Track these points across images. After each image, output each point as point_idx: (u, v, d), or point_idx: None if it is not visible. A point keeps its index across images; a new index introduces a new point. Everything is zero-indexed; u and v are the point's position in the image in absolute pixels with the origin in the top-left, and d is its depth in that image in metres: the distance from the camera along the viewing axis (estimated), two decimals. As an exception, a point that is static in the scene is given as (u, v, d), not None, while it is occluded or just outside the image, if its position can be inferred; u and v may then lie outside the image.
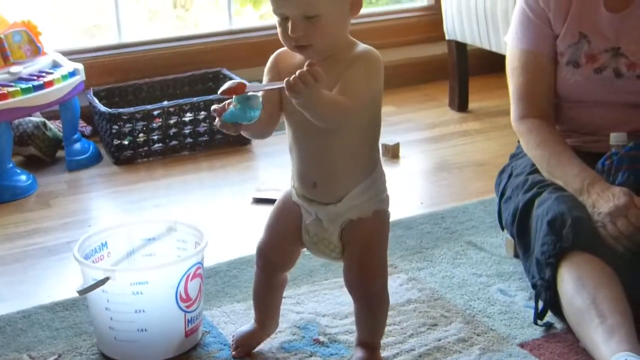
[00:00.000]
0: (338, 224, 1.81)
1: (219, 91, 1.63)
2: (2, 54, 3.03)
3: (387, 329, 2.04)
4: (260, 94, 1.65)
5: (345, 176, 1.78)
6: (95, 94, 3.31)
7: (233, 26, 3.79)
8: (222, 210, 2.78)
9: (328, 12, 1.64)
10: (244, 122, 1.62)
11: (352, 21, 1.63)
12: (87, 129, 3.39)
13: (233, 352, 1.95)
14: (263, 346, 2.00)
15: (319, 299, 2.21)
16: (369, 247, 1.82)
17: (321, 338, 2.04)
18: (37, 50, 3.15)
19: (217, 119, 1.66)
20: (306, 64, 1.54)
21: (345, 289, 2.23)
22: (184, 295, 1.94)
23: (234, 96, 1.62)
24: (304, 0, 1.62)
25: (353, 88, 1.66)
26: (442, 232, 2.55)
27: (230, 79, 3.40)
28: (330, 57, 1.70)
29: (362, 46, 1.75)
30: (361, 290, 1.84)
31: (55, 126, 3.27)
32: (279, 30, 1.68)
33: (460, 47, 3.61)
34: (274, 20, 1.69)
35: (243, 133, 1.73)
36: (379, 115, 1.80)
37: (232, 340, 1.98)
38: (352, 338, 2.02)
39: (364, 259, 1.81)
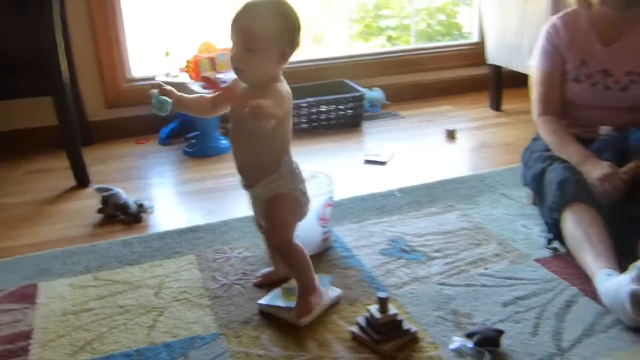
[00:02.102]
0: (261, 201, 1.65)
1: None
2: (213, 66, 3.04)
3: (447, 244, 1.99)
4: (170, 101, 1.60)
5: (255, 168, 1.62)
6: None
7: (351, 52, 3.71)
8: (342, 167, 2.72)
9: (262, 51, 1.50)
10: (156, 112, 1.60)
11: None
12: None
13: (255, 281, 1.82)
14: (373, 250, 1.96)
15: (405, 224, 2.15)
16: (270, 216, 1.63)
17: (406, 248, 1.99)
18: (234, 64, 3.15)
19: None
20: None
21: (421, 218, 2.19)
22: (322, 217, 1.92)
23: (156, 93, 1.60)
24: (247, 37, 1.48)
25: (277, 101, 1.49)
26: (483, 187, 2.44)
27: (350, 87, 3.34)
28: (257, 85, 1.55)
29: (281, 83, 1.57)
30: (270, 243, 1.71)
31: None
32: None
33: (497, 69, 3.46)
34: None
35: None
36: (285, 132, 1.61)
37: (257, 276, 1.85)
38: (427, 249, 1.97)
39: (268, 223, 1.64)
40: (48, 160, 2.94)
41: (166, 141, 3.12)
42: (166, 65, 3.03)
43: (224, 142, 3.01)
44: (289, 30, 1.53)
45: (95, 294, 1.82)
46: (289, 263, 1.66)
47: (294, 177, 1.65)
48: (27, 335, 1.65)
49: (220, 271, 1.90)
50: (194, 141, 3.03)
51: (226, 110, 1.68)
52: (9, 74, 2.52)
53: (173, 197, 2.52)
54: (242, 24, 1.50)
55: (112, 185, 2.39)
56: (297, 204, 1.65)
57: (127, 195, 2.34)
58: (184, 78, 2.94)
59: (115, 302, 1.77)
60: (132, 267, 1.95)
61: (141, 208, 2.29)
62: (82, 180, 2.64)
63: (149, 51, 3.28)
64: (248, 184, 1.67)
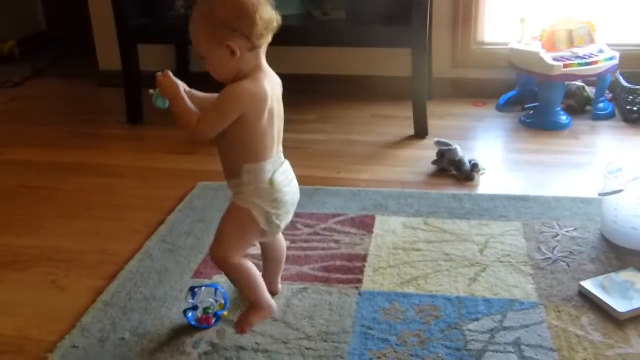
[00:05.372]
0: None
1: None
2: (570, 39, 2.95)
3: None
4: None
5: (224, 167, 1.52)
6: (622, 74, 3.09)
7: None
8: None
9: (209, 56, 1.42)
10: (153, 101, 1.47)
11: None
12: (609, 95, 3.19)
13: None
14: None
15: None
16: (219, 225, 1.53)
17: None
18: (591, 40, 3.00)
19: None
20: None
21: None
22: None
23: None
24: (195, 45, 1.42)
25: (207, 112, 1.42)
26: None
27: None
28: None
29: (245, 81, 1.41)
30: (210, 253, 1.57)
31: (589, 90, 3.13)
32: None
33: None
34: None
35: None
36: (246, 137, 1.44)
37: None
38: None
39: (216, 230, 1.54)
40: (391, 107, 3.19)
41: (503, 107, 3.15)
42: (519, 32, 3.03)
43: (564, 117, 2.93)
44: (221, 21, 1.38)
45: (424, 237, 1.97)
46: (229, 278, 1.58)
47: (259, 192, 1.49)
48: (362, 258, 1.87)
49: (546, 244, 1.90)
50: (532, 112, 3.00)
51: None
52: (385, 25, 2.78)
53: (505, 163, 2.56)
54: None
55: (449, 141, 2.52)
56: (250, 222, 1.50)
57: (462, 153, 2.45)
58: (536, 47, 2.92)
59: (442, 249, 1.90)
60: (460, 220, 2.06)
61: (474, 167, 2.38)
62: (421, 131, 2.83)
63: (503, 16, 3.30)
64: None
